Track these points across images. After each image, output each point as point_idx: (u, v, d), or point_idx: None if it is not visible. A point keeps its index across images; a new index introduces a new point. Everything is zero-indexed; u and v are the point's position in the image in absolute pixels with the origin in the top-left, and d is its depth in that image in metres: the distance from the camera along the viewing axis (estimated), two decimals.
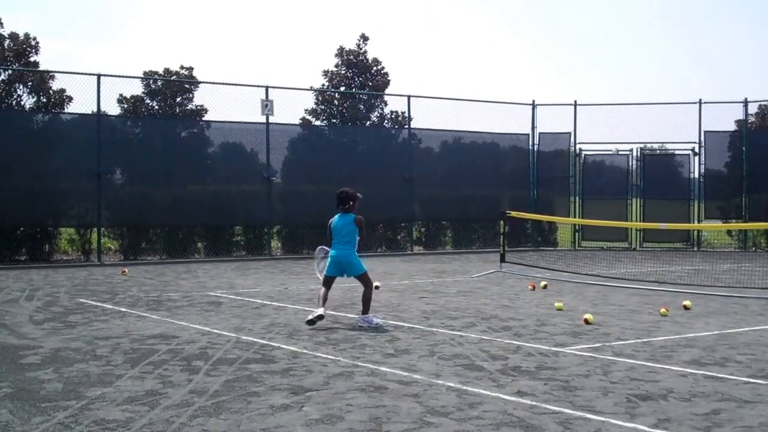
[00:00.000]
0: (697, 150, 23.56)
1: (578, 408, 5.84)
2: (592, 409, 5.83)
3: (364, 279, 9.70)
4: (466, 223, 23.84)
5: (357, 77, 23.17)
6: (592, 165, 24.85)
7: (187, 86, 20.89)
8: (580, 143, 24.45)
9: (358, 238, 9.71)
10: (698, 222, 23.55)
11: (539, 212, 22.25)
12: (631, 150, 24.21)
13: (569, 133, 24.46)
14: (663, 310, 10.56)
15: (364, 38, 23.32)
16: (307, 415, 5.63)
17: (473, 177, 23.57)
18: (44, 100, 19.26)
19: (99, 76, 18.88)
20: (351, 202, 9.74)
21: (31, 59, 19.33)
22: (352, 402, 5.99)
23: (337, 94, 22.98)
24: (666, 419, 5.57)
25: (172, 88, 20.72)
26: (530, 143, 24.72)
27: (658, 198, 23.46)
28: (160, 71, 20.90)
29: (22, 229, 18.88)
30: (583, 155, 24.53)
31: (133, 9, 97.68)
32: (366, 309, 9.60)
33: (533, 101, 24.63)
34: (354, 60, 23.14)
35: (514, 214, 18.28)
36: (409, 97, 22.85)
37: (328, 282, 9.80)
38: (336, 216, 9.80)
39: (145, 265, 18.46)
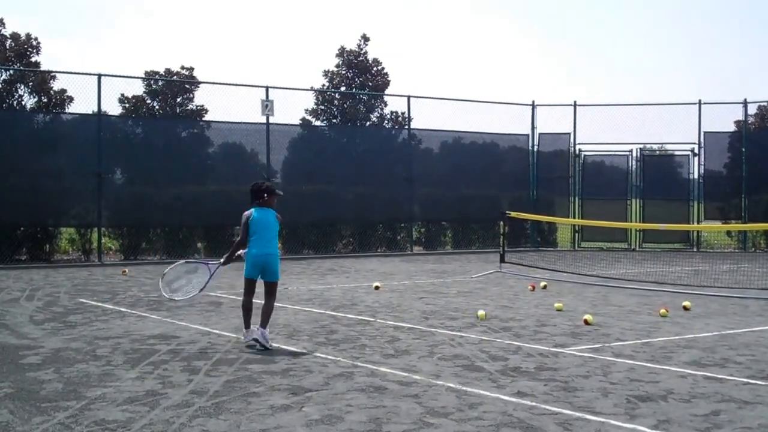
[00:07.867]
0: (696, 151, 23.58)
1: (578, 409, 5.85)
2: (592, 409, 5.84)
3: (276, 287, 8.38)
4: (465, 224, 23.84)
5: (357, 77, 23.18)
6: (592, 165, 24.87)
7: (187, 86, 20.91)
8: (579, 144, 24.52)
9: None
10: (698, 223, 23.57)
11: (539, 213, 22.25)
12: (631, 151, 24.24)
13: (569, 134, 24.49)
14: (662, 310, 10.56)
15: (365, 39, 23.35)
16: (307, 416, 5.64)
17: (473, 177, 23.58)
18: (45, 100, 19.28)
19: (100, 76, 18.91)
20: (266, 196, 8.28)
21: (33, 59, 19.36)
22: (351, 402, 6.00)
23: (337, 95, 22.99)
24: (666, 420, 5.58)
25: (172, 89, 20.75)
26: (530, 144, 24.74)
27: (658, 199, 23.47)
28: (161, 71, 20.94)
29: (22, 228, 18.91)
30: (582, 156, 24.55)
31: (134, 9, 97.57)
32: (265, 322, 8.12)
33: (533, 102, 24.71)
34: (354, 60, 23.15)
35: (513, 214, 18.30)
36: (409, 97, 22.88)
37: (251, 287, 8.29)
38: (253, 210, 8.30)
39: (146, 265, 18.46)
